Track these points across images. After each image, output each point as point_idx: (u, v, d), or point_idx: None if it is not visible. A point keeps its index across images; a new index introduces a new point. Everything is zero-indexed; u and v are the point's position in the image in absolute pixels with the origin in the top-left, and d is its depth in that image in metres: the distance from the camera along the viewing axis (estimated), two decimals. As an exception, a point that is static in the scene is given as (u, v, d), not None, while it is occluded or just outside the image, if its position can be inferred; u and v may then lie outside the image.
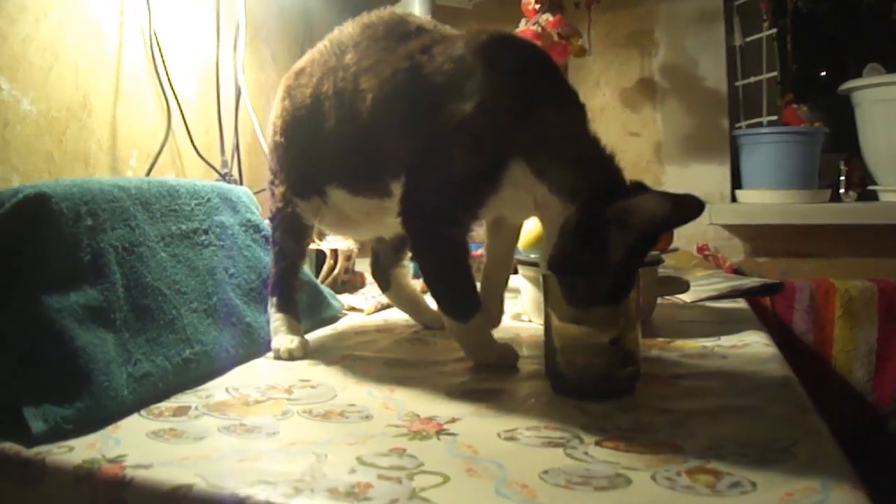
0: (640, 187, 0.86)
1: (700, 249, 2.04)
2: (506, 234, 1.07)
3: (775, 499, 0.57)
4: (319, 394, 0.87)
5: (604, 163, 0.87)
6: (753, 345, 1.08)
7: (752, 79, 1.96)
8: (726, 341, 1.10)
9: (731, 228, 2.03)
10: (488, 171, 0.88)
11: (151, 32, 1.29)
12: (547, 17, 1.69)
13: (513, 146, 0.87)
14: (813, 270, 1.94)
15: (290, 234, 1.11)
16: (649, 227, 0.82)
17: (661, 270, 1.69)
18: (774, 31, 1.87)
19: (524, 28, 1.72)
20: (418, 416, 0.78)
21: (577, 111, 0.91)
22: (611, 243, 0.82)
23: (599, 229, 0.82)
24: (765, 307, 1.87)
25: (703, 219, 2.00)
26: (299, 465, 0.64)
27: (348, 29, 1.05)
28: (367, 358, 1.05)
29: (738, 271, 1.98)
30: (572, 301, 0.83)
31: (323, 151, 1.04)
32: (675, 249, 1.39)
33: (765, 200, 1.93)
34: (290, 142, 1.09)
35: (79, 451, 0.68)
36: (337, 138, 1.01)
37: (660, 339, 1.12)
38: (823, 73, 2.16)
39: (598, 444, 0.69)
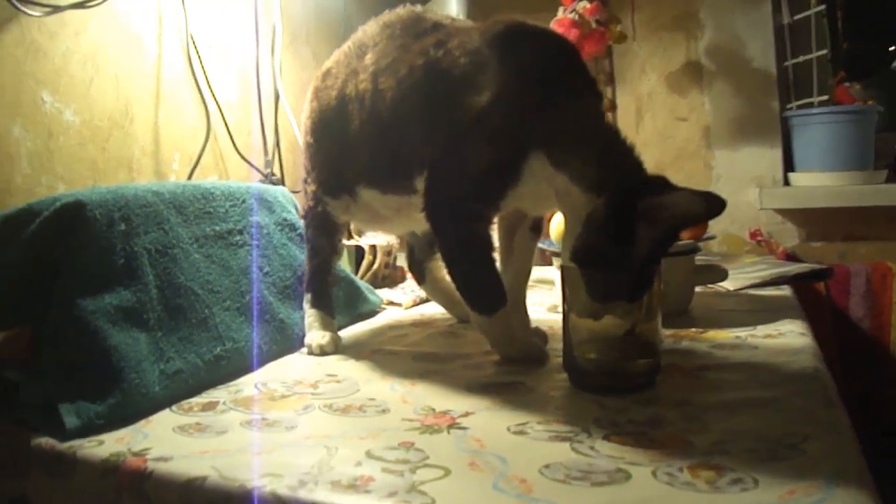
0: (665, 183, 0.85)
1: (753, 235, 1.99)
2: (522, 240, 1.06)
3: (775, 497, 0.56)
4: (343, 388, 0.89)
5: (626, 154, 0.85)
6: (788, 334, 1.05)
7: (802, 58, 1.90)
8: (761, 331, 1.08)
9: (784, 213, 1.97)
10: (508, 162, 0.88)
11: (189, 39, 1.34)
12: (584, 5, 1.68)
13: (531, 137, 0.87)
14: (870, 254, 1.87)
15: (322, 232, 1.14)
16: (680, 223, 0.80)
17: (704, 258, 1.67)
18: (823, 7, 1.80)
19: (561, 16, 1.71)
20: (434, 410, 0.80)
21: (594, 101, 0.91)
22: (638, 238, 0.79)
23: (629, 223, 0.80)
24: (819, 294, 1.82)
25: (755, 203, 1.96)
26: (310, 458, 0.67)
27: (369, 29, 1.07)
28: (396, 352, 1.07)
29: (791, 257, 1.92)
30: (594, 295, 0.82)
31: (350, 152, 1.06)
32: (712, 237, 1.36)
33: (818, 183, 1.87)
34: (319, 142, 1.11)
35: (108, 444, 0.72)
36: (362, 139, 1.03)
37: (692, 330, 1.10)
38: (885, 48, 2.06)
39: (606, 438, 0.69)
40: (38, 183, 1.06)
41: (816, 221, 1.93)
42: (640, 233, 0.79)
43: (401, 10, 1.06)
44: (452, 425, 0.75)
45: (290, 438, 0.73)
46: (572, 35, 1.66)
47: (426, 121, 0.95)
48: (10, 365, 0.91)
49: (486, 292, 0.95)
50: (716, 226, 2.03)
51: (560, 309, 1.28)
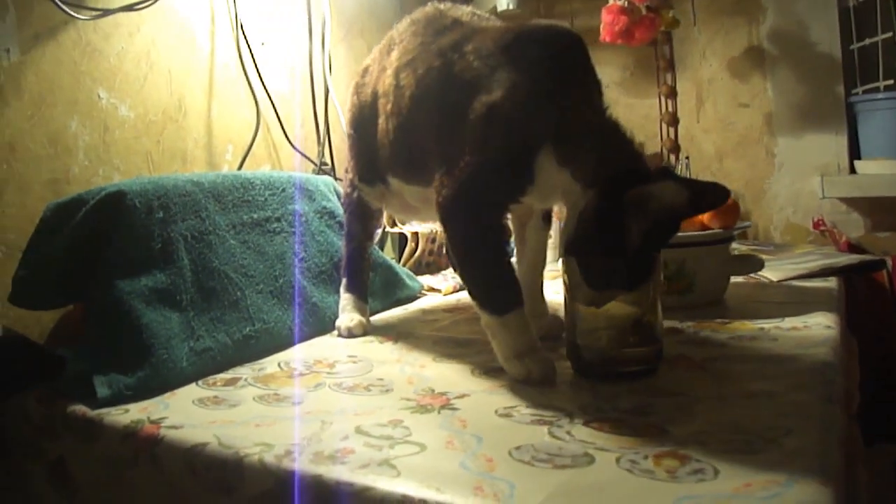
0: (663, 172, 0.85)
1: (816, 224, 1.93)
2: (534, 231, 1.08)
3: (729, 489, 0.57)
4: (357, 369, 0.95)
5: (623, 147, 0.86)
6: (814, 327, 1.04)
7: (868, 41, 1.81)
8: (788, 323, 1.07)
9: (849, 202, 1.89)
10: (519, 159, 0.89)
11: (240, 34, 1.41)
12: (634, -8, 1.66)
13: (540, 134, 0.88)
14: (941, 246, 1.78)
15: (357, 218, 1.19)
16: (666, 214, 0.80)
17: (757, 247, 1.64)
18: (891, -13, 1.72)
19: (612, 3, 1.70)
20: (433, 391, 0.84)
21: (598, 99, 0.91)
22: (628, 228, 0.80)
23: (617, 214, 0.80)
24: (882, 286, 1.75)
25: (817, 192, 1.90)
26: (304, 431, 0.72)
27: (400, 25, 1.11)
28: (420, 336, 1.11)
29: (854, 247, 1.85)
30: (590, 283, 0.84)
31: (380, 144, 1.10)
32: (747, 226, 1.34)
33: (886, 171, 1.79)
34: (357, 134, 1.17)
35: (132, 413, 0.80)
36: (388, 132, 1.07)
37: (717, 321, 1.10)
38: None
39: (585, 424, 0.72)
40: (96, 174, 1.15)
41: (883, 211, 1.85)
42: (628, 223, 0.79)
43: (427, 7, 1.09)
44: (445, 406, 0.79)
45: (293, 413, 0.79)
46: (621, 22, 1.65)
47: (440, 120, 0.97)
48: (63, 342, 1.01)
49: (499, 290, 0.90)
50: (777, 214, 1.99)
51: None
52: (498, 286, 0.90)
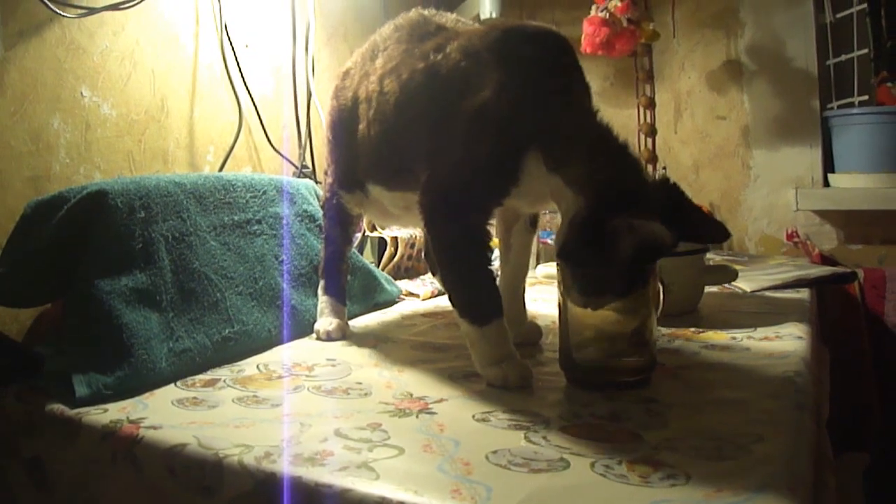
0: (663, 186, 0.85)
1: (789, 236, 1.96)
2: (519, 235, 1.08)
3: (701, 494, 0.59)
4: (336, 372, 0.95)
5: (616, 156, 0.86)
6: (786, 337, 1.06)
7: (844, 57, 1.85)
8: (760, 333, 1.09)
9: (822, 214, 1.93)
10: (505, 162, 0.88)
11: (223, 37, 1.42)
12: (615, 3, 1.68)
13: (528, 137, 0.88)
14: (912, 259, 1.82)
15: (336, 223, 1.19)
16: (648, 253, 0.80)
17: (732, 258, 1.67)
18: (866, 5, 1.75)
19: (593, 15, 1.72)
20: (411, 395, 0.85)
21: (588, 102, 0.92)
22: (612, 249, 0.79)
23: (604, 232, 0.79)
24: (853, 298, 1.79)
25: (791, 204, 1.94)
26: (283, 433, 0.73)
27: (383, 31, 1.12)
28: (398, 340, 1.12)
29: (828, 259, 1.89)
30: (581, 289, 0.84)
31: (361, 151, 1.10)
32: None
33: (858, 185, 1.83)
34: (336, 139, 1.17)
35: (111, 412, 0.80)
36: (371, 139, 1.07)
37: (690, 330, 1.12)
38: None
39: (562, 429, 0.73)
40: (77, 172, 1.15)
41: (855, 224, 1.89)
42: (612, 246, 0.79)
43: (411, 13, 1.10)
44: (423, 410, 0.80)
45: (272, 415, 0.79)
46: (602, 33, 1.67)
47: (426, 123, 0.98)
48: (41, 341, 1.01)
49: (480, 299, 0.90)
50: (751, 226, 2.02)
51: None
52: (478, 295, 0.91)
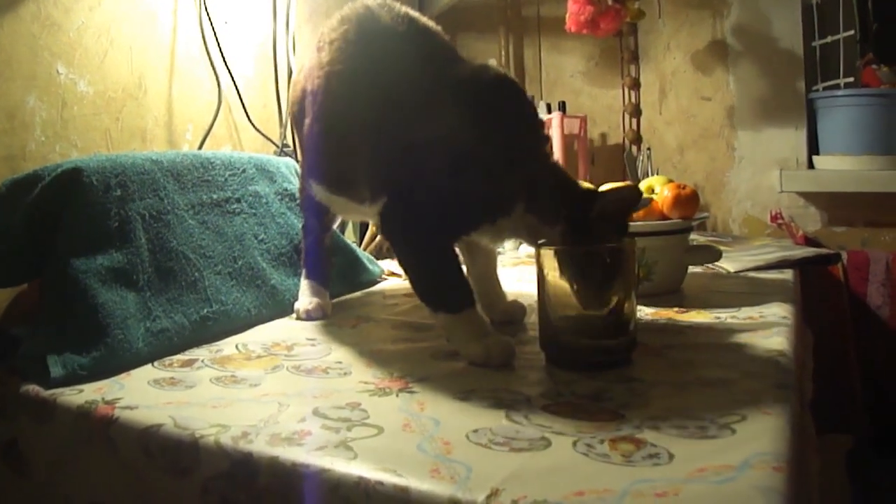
0: (594, 192, 0.96)
1: (774, 218, 1.97)
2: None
3: (683, 473, 0.58)
4: (316, 351, 0.94)
5: (571, 186, 0.95)
6: (770, 317, 1.05)
7: (830, 38, 1.85)
8: (744, 313, 1.08)
9: (807, 196, 1.94)
10: (498, 204, 0.92)
11: (202, 13, 1.39)
12: (601, -18, 1.67)
13: (519, 186, 0.92)
14: (895, 240, 1.83)
15: (311, 212, 1.17)
16: (627, 209, 0.94)
17: (717, 239, 1.66)
18: (853, -14, 1.75)
19: (578, -6, 1.70)
20: (392, 374, 0.84)
21: (546, 144, 0.96)
22: (599, 232, 0.90)
23: (589, 230, 0.90)
24: (837, 279, 1.80)
25: (776, 186, 1.94)
26: (260, 412, 0.72)
27: (331, 22, 1.06)
28: (380, 320, 1.11)
29: (812, 241, 1.90)
30: (588, 287, 0.87)
31: (306, 146, 1.09)
32: (706, 217, 1.36)
33: (843, 167, 1.83)
34: (297, 130, 1.16)
35: (86, 393, 0.79)
36: (313, 136, 1.04)
37: (674, 309, 1.11)
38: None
39: (543, 408, 0.72)
40: (53, 150, 1.12)
41: (839, 206, 1.90)
42: (601, 229, 0.89)
43: (356, 5, 1.04)
44: (403, 389, 0.79)
45: (250, 395, 0.78)
46: (587, 12, 1.66)
47: (372, 140, 0.95)
48: (17, 322, 0.99)
49: (451, 291, 0.91)
50: (735, 207, 2.02)
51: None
52: (448, 288, 0.91)
